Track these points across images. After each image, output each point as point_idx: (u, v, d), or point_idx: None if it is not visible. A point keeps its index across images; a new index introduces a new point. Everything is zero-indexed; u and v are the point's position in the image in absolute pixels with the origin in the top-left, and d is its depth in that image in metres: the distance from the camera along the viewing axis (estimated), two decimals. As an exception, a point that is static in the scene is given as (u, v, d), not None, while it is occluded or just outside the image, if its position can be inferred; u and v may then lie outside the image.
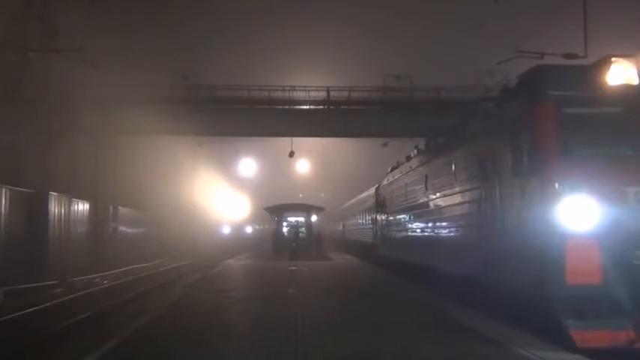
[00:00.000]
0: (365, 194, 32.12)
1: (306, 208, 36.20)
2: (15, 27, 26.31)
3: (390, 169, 22.74)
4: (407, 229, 18.40)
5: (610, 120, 8.37)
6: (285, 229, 34.70)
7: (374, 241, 26.44)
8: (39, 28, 27.08)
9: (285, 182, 68.91)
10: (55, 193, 25.70)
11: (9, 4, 26.36)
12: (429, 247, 15.01)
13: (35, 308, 15.07)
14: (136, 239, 38.42)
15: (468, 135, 12.28)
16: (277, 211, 35.70)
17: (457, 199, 12.38)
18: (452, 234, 13.19)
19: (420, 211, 16.11)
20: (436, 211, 14.35)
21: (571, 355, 7.13)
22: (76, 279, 22.46)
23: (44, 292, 18.94)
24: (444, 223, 13.86)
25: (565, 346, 7.42)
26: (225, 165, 58.25)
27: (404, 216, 18.79)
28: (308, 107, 33.85)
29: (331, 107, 33.60)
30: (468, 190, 11.63)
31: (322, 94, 33.50)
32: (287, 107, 33.66)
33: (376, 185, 26.57)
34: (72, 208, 27.82)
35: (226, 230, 66.12)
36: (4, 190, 21.26)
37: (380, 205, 24.23)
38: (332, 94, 33.54)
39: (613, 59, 8.60)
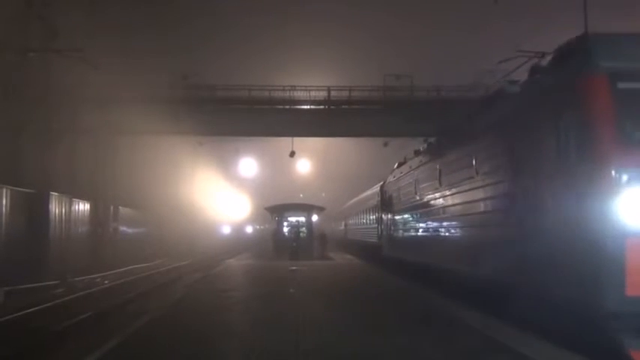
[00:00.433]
0: (369, 192, 31.26)
1: (306, 208, 36.19)
2: (15, 27, 26.31)
3: (396, 165, 21.66)
4: (417, 229, 17.07)
5: None
6: (285, 229, 34.68)
7: (379, 241, 25.25)
8: (39, 29, 27.09)
9: (285, 182, 68.97)
10: (56, 194, 25.69)
11: (9, 4, 26.35)
12: (443, 248, 13.82)
13: (36, 308, 15.05)
14: (136, 239, 38.42)
15: (492, 121, 10.95)
16: (278, 210, 35.69)
17: (479, 194, 11.04)
18: (471, 234, 11.83)
19: (432, 210, 14.80)
20: (451, 208, 13.02)
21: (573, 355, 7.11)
22: (76, 279, 22.46)
23: (45, 292, 18.92)
24: (461, 222, 12.52)
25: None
26: (225, 165, 58.31)
27: (413, 215, 17.44)
28: (308, 107, 33.88)
29: (332, 107, 33.63)
30: (494, 183, 10.29)
31: (323, 94, 33.53)
32: (287, 107, 33.67)
33: (381, 183, 25.60)
34: (72, 208, 27.80)
35: (227, 230, 66.12)
36: (4, 191, 21.24)
37: (386, 203, 22.98)
38: (332, 93, 33.57)
39: None
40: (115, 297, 17.91)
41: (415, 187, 16.81)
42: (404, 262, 18.73)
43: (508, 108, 10.22)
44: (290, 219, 34.96)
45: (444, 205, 13.67)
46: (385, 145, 36.87)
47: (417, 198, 16.58)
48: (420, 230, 16.59)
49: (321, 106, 33.71)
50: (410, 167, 18.20)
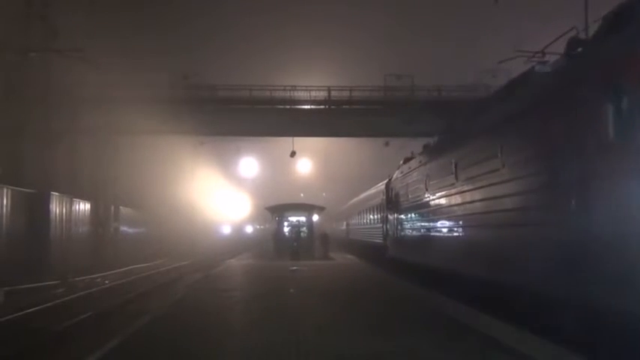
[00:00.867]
0: (373, 190, 30.18)
1: (307, 208, 36.15)
2: (16, 27, 26.33)
3: (402, 160, 20.46)
4: (428, 229, 15.60)
5: None
6: (286, 229, 34.66)
7: (384, 241, 23.93)
8: (40, 29, 27.10)
9: (286, 182, 69.07)
10: (57, 193, 25.71)
11: (10, 4, 26.37)
12: (460, 250, 12.47)
13: (36, 308, 15.05)
14: (136, 239, 38.47)
15: (520, 106, 9.65)
16: (278, 210, 35.65)
17: (506, 189, 9.66)
18: (497, 235, 10.26)
19: (447, 208, 13.40)
20: (470, 206, 11.66)
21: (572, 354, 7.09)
22: (77, 279, 22.46)
23: (46, 292, 18.92)
24: (483, 221, 10.97)
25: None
26: (226, 165, 58.36)
27: (424, 213, 15.99)
28: (309, 107, 33.91)
29: (332, 107, 33.69)
30: (527, 176, 8.93)
31: (323, 94, 33.58)
32: (288, 107, 33.71)
33: (386, 180, 24.33)
34: (73, 208, 27.83)
35: (227, 230, 66.14)
36: (5, 190, 21.26)
37: (392, 201, 21.57)
38: (333, 93, 33.62)
39: None
40: (116, 297, 17.90)
41: (426, 184, 15.36)
42: (412, 264, 17.51)
43: (543, 89, 8.92)
44: (291, 219, 34.91)
45: (461, 203, 12.24)
46: (386, 145, 36.92)
47: (429, 195, 15.17)
48: (432, 230, 15.11)
49: (322, 106, 33.75)
50: (420, 162, 16.79)
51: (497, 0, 26.86)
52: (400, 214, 19.70)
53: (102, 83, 29.17)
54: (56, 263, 23.92)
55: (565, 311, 7.76)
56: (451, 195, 13.00)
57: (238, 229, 69.41)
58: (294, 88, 33.70)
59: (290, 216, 35.01)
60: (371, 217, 29.80)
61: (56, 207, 25.62)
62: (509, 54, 21.84)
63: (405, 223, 18.95)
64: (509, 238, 9.73)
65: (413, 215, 17.72)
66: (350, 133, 36.19)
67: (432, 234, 15.06)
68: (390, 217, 21.86)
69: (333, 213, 54.17)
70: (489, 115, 11.38)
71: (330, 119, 33.54)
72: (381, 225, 25.22)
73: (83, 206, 29.47)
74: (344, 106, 33.81)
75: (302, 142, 39.39)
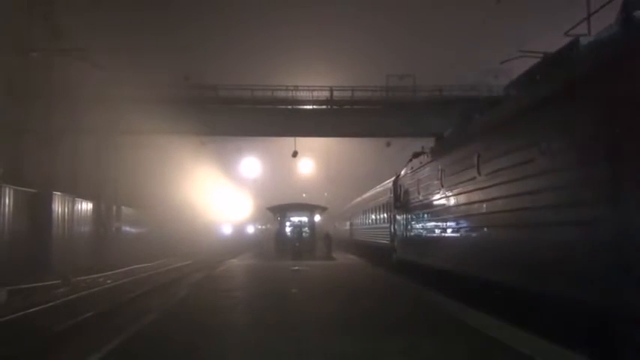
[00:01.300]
0: (379, 189, 28.88)
1: (309, 208, 36.18)
2: (19, 27, 26.38)
3: (412, 155, 19.23)
4: (443, 229, 14.18)
5: None
6: (288, 229, 34.69)
7: (390, 242, 22.64)
8: (42, 28, 27.16)
9: (288, 182, 69.03)
10: (59, 193, 25.74)
11: (13, 3, 26.42)
12: (481, 252, 11.14)
13: (38, 308, 15.09)
14: (138, 239, 38.49)
15: (563, 85, 8.17)
16: (280, 210, 35.68)
17: (546, 181, 8.25)
18: (533, 236, 8.77)
19: (467, 205, 12.08)
20: (497, 203, 10.25)
21: (573, 354, 7.09)
22: (79, 279, 22.49)
23: (47, 291, 18.95)
24: (512, 220, 9.60)
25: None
26: (227, 165, 58.38)
27: (438, 212, 14.50)
28: (311, 107, 33.95)
29: (334, 107, 33.76)
30: (573, 166, 7.62)
31: (325, 94, 33.63)
32: (290, 107, 33.77)
33: (393, 178, 23.07)
34: (75, 207, 27.86)
35: (229, 230, 66.15)
36: (7, 190, 21.29)
37: (400, 200, 20.21)
38: (335, 93, 33.68)
39: None
40: (118, 297, 17.93)
41: (441, 179, 13.97)
42: (423, 267, 16.23)
43: (596, 63, 7.44)
44: (292, 219, 34.96)
45: (485, 199, 10.84)
46: (387, 145, 36.96)
47: (444, 192, 13.84)
48: (449, 231, 13.70)
49: (324, 106, 33.81)
50: (433, 156, 15.43)
51: (499, 0, 26.87)
52: (410, 213, 18.26)
53: (104, 83, 29.22)
54: (58, 263, 23.95)
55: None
56: (472, 191, 11.59)
57: (240, 230, 69.42)
58: (296, 88, 33.76)
59: (292, 216, 35.04)
60: (377, 216, 28.73)
61: (58, 207, 25.66)
62: (511, 54, 21.79)
63: (416, 222, 17.46)
64: (550, 240, 8.15)
65: (425, 214, 16.15)
66: (352, 133, 36.20)
67: (449, 235, 13.61)
68: (398, 216, 20.65)
69: (335, 213, 53.80)
70: (523, 99, 9.73)
71: (332, 119, 33.59)
72: (387, 225, 24.03)
73: (85, 206, 29.51)
74: (346, 106, 33.86)
75: (304, 142, 39.44)
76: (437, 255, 14.75)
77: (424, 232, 16.42)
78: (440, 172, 14.13)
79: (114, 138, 32.79)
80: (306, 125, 33.75)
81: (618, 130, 6.63)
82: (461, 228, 12.72)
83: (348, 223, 44.48)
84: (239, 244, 54.65)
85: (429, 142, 18.03)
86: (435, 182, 14.68)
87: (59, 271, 22.45)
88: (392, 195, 22.52)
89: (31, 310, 14.65)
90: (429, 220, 15.73)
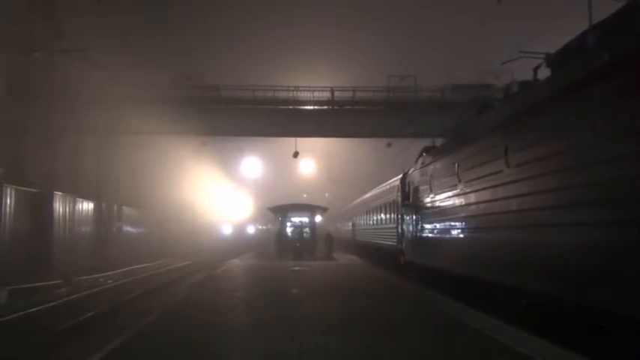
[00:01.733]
0: (385, 187, 27.51)
1: (310, 209, 36.19)
2: (20, 27, 26.41)
3: (422, 150, 18.17)
4: (462, 229, 12.89)
5: None
6: (289, 230, 34.71)
7: (398, 244, 21.36)
8: (44, 29, 27.20)
9: (289, 182, 69.06)
10: (60, 193, 25.75)
11: (15, 3, 26.45)
12: (509, 255, 9.81)
13: (40, 308, 15.11)
14: (139, 239, 38.51)
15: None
16: (281, 211, 35.70)
17: (600, 173, 6.97)
18: (576, 236, 7.49)
19: (489, 203, 10.76)
20: (532, 199, 8.92)
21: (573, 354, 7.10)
22: (80, 278, 22.51)
23: (48, 291, 18.96)
24: (549, 218, 8.27)
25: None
26: (228, 165, 58.39)
27: (455, 210, 13.08)
28: (312, 107, 33.96)
29: (335, 107, 33.76)
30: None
31: (326, 95, 33.63)
32: (291, 107, 33.77)
33: (400, 176, 21.81)
34: (76, 207, 27.87)
35: (230, 230, 66.20)
36: (9, 190, 21.31)
37: (409, 198, 18.79)
38: (336, 94, 33.68)
39: None
40: (119, 297, 17.93)
41: (458, 174, 12.69)
42: (436, 271, 14.90)
43: None
44: (293, 219, 34.97)
45: (515, 195, 9.53)
46: (389, 145, 36.94)
47: (462, 188, 12.49)
48: (469, 231, 12.38)
49: (325, 107, 33.82)
50: (450, 149, 14.13)
51: (500, 0, 26.85)
52: (421, 212, 16.83)
53: (104, 83, 29.24)
54: (59, 263, 23.95)
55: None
56: (498, 186, 10.28)
57: (240, 230, 69.47)
58: (297, 88, 33.77)
59: (293, 216, 35.06)
60: (382, 216, 27.32)
61: (59, 206, 25.67)
62: (512, 55, 21.81)
63: (428, 222, 16.05)
64: (601, 243, 6.93)
65: (439, 213, 14.67)
66: (353, 133, 36.19)
67: (469, 236, 12.27)
68: (407, 216, 19.25)
69: (337, 213, 53.55)
70: (577, 70, 7.97)
71: (333, 120, 33.59)
72: (394, 225, 22.73)
73: (86, 206, 29.52)
74: (347, 107, 33.85)
75: (305, 143, 39.41)
76: (455, 259, 13.25)
77: (438, 234, 14.92)
78: (457, 167, 12.88)
79: (115, 138, 32.80)
80: (307, 126, 33.76)
81: None
82: (485, 229, 11.18)
83: (350, 224, 43.62)
84: (240, 245, 54.70)
85: (428, 143, 17.99)
86: (452, 178, 13.29)
87: (60, 271, 22.46)
88: (399, 193, 21.26)
89: (32, 310, 14.66)
90: (444, 220, 14.26)
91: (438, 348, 7.56)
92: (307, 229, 34.41)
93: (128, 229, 36.55)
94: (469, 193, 12.08)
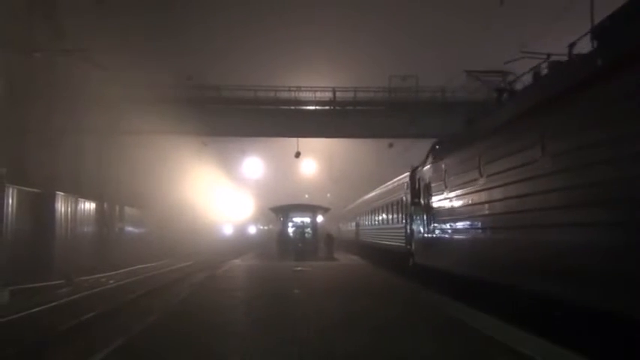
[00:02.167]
0: (391, 185, 26.01)
1: (312, 209, 36.20)
2: (20, 27, 26.44)
3: (433, 144, 17.03)
4: (484, 229, 11.40)
5: None
6: (290, 230, 34.72)
7: (406, 245, 20.23)
8: (45, 29, 27.24)
9: (290, 182, 69.09)
10: (62, 193, 25.77)
11: (15, 3, 26.49)
12: (540, 259, 8.50)
13: (41, 308, 15.13)
14: (140, 239, 38.54)
15: None
16: (283, 211, 35.73)
17: None
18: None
19: (520, 199, 9.35)
20: (574, 194, 7.55)
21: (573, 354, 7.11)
22: (82, 279, 22.54)
23: (50, 291, 18.99)
24: (604, 217, 6.83)
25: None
26: (230, 165, 58.43)
27: (477, 208, 11.55)
28: (314, 108, 33.99)
29: (337, 108, 33.77)
30: None
31: (328, 95, 33.66)
32: (293, 108, 33.81)
33: (408, 173, 20.55)
34: (78, 207, 27.89)
35: (231, 231, 66.23)
36: (11, 190, 21.32)
37: (420, 196, 17.44)
38: (338, 94, 33.70)
39: None
40: (121, 297, 17.94)
41: (480, 169, 11.29)
42: (452, 275, 13.57)
43: None
44: (295, 219, 34.99)
45: (552, 189, 8.19)
46: (390, 146, 36.95)
47: (486, 184, 11.07)
48: (492, 232, 10.99)
49: (327, 107, 33.85)
50: (469, 141, 12.65)
51: (503, 1, 26.84)
52: (434, 210, 15.42)
53: (107, 83, 29.29)
54: (61, 263, 23.97)
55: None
56: (531, 179, 8.92)
57: (242, 230, 69.49)
58: (298, 88, 33.81)
59: (294, 217, 35.07)
60: (389, 216, 25.94)
61: (61, 206, 25.68)
62: (514, 55, 21.79)
63: (443, 222, 14.62)
64: None
65: (456, 211, 13.29)
66: (354, 134, 36.22)
67: (494, 236, 10.83)
68: (417, 215, 17.91)
69: (339, 213, 53.34)
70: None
71: (334, 120, 33.60)
72: (402, 225, 21.57)
73: (88, 206, 29.55)
74: (348, 107, 33.87)
75: (306, 143, 39.46)
76: (475, 262, 11.90)
77: (457, 234, 13.48)
78: (478, 159, 11.44)
79: (116, 138, 32.85)
80: (308, 126, 33.78)
81: None
82: (515, 228, 9.77)
83: (353, 224, 42.37)
84: (241, 245, 54.71)
85: (430, 143, 17.89)
86: (472, 171, 11.86)
87: (62, 271, 22.49)
88: (408, 191, 19.90)
89: (34, 310, 14.68)
90: (464, 219, 12.83)
91: (438, 348, 7.57)
92: (309, 230, 34.43)
93: (130, 229, 36.58)
94: (494, 188, 10.61)
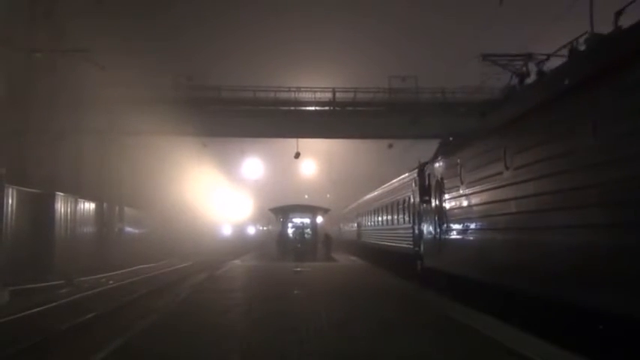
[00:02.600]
0: (397, 183, 24.22)
1: (311, 210, 36.19)
2: (21, 27, 26.47)
3: (442, 139, 16.25)
4: (511, 230, 9.74)
5: None
6: (290, 231, 34.71)
7: (414, 247, 18.91)
8: (45, 29, 27.26)
9: (290, 183, 69.14)
10: (62, 193, 25.77)
11: (17, 4, 26.52)
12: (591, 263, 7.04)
13: (42, 308, 15.12)
14: (140, 240, 38.54)
15: None
16: (282, 212, 35.72)
17: None
18: None
19: (551, 196, 8.13)
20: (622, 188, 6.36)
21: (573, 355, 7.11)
22: (82, 279, 22.53)
23: (50, 292, 18.98)
24: None
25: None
26: (229, 166, 58.44)
27: (502, 207, 10.07)
28: (314, 108, 33.97)
29: (337, 108, 33.75)
30: None
31: (328, 96, 33.64)
32: (293, 108, 33.78)
33: (415, 170, 19.20)
34: (78, 208, 27.88)
35: (231, 231, 66.25)
36: (11, 191, 21.32)
37: (430, 194, 15.99)
38: (337, 95, 33.68)
39: None
40: (121, 297, 17.95)
41: (505, 161, 9.89)
42: (470, 281, 12.02)
43: None
44: (295, 220, 34.98)
45: (595, 184, 6.95)
46: (390, 146, 36.92)
47: (510, 178, 9.68)
48: (519, 233, 9.41)
49: (326, 108, 33.82)
50: (490, 131, 11.25)
51: (502, 1, 26.85)
52: (447, 209, 13.99)
53: (108, 84, 29.30)
54: (61, 263, 23.98)
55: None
56: (563, 172, 7.74)
57: (241, 230, 69.51)
58: (298, 89, 33.78)
59: (294, 217, 35.06)
60: (394, 216, 24.46)
61: (61, 207, 25.67)
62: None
63: (458, 222, 13.16)
64: None
65: (475, 210, 11.83)
66: (354, 134, 36.19)
67: (522, 238, 9.28)
68: (427, 215, 16.57)
69: (339, 213, 53.13)
70: None
71: (334, 121, 33.59)
72: (409, 225, 20.24)
73: (88, 206, 29.54)
74: (348, 108, 33.84)
75: (306, 144, 39.42)
76: (497, 266, 10.38)
77: (475, 235, 11.95)
78: (503, 150, 9.98)
79: (117, 139, 32.85)
80: (308, 126, 33.76)
81: None
82: (537, 228, 8.60)
83: (355, 225, 40.71)
84: (241, 245, 54.72)
85: (430, 144, 17.87)
86: (494, 164, 10.40)
87: (62, 271, 22.48)
88: (416, 188, 18.45)
89: (34, 310, 14.68)
90: (484, 218, 11.35)
91: (438, 348, 7.57)
92: (309, 230, 34.42)
93: (129, 229, 36.57)
94: (521, 182, 9.22)
